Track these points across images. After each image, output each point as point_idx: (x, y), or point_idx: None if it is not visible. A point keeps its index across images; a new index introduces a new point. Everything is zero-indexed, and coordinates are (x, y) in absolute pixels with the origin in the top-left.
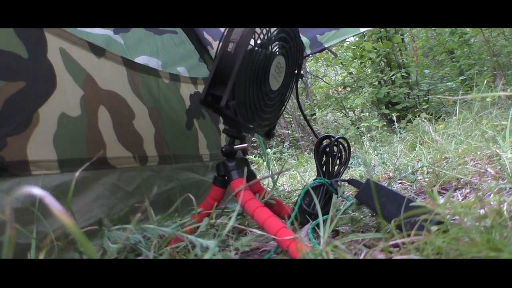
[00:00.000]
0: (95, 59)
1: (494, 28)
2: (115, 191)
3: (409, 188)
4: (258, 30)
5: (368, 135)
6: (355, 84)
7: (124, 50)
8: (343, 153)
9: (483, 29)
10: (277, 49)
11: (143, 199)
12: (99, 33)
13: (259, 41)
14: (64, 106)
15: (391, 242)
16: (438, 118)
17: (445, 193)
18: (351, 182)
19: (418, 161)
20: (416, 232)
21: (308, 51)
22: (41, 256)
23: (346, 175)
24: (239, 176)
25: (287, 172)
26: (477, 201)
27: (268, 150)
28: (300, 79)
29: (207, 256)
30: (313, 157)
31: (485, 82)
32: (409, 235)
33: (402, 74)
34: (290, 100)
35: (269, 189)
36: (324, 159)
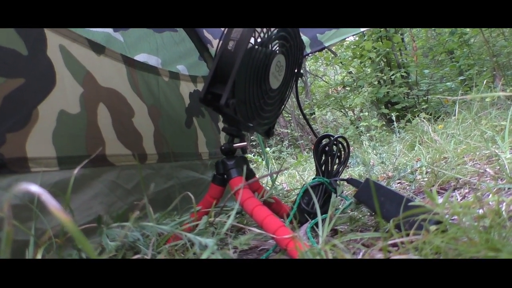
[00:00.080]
0: (95, 56)
1: (494, 29)
2: (114, 189)
3: (408, 187)
4: (258, 28)
5: (367, 134)
6: (355, 84)
7: (124, 47)
8: (342, 152)
9: (483, 29)
10: (277, 48)
11: (142, 197)
12: (99, 31)
13: (259, 40)
14: (63, 103)
15: (390, 242)
16: (437, 118)
17: (444, 193)
18: (350, 181)
19: (417, 161)
20: (415, 232)
21: (308, 50)
22: (40, 253)
23: (345, 175)
24: (238, 174)
25: (286, 171)
26: (476, 201)
27: (267, 149)
28: (300, 78)
29: (205, 254)
30: (312, 156)
31: (484, 82)
32: (408, 235)
33: (402, 73)
34: (289, 99)
35: (268, 187)
36: (323, 158)
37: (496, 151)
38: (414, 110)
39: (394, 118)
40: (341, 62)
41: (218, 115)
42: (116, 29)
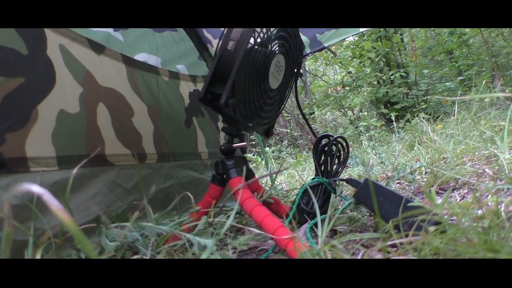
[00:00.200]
0: (95, 56)
1: (493, 29)
2: (113, 189)
3: (407, 188)
4: (258, 28)
5: (367, 134)
6: (354, 84)
7: (123, 47)
8: (342, 152)
9: (482, 29)
10: (277, 48)
11: (141, 197)
12: (99, 30)
13: (259, 40)
14: (63, 103)
15: (389, 242)
16: (437, 118)
17: (443, 193)
18: (349, 181)
19: (416, 161)
20: (414, 233)
21: (307, 50)
22: (39, 253)
23: (344, 175)
24: (238, 174)
25: (285, 171)
26: (475, 202)
27: (267, 148)
28: (299, 78)
29: (204, 255)
30: (312, 156)
31: (483, 82)
32: (407, 235)
33: (401, 73)
34: (289, 99)
35: (267, 187)
36: (322, 158)
37: (495, 151)
38: (414, 110)
39: (393, 118)
40: (340, 62)
41: (218, 115)
42: (116, 29)
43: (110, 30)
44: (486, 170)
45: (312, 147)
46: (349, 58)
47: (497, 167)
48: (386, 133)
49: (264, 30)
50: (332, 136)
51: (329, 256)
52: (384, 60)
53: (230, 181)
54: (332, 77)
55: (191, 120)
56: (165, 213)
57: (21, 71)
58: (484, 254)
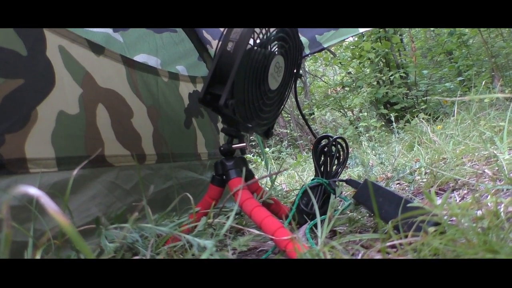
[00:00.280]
0: (94, 57)
1: (492, 30)
2: (113, 190)
3: (407, 188)
4: (257, 29)
5: (367, 135)
6: (354, 84)
7: (123, 48)
8: (341, 153)
9: (481, 30)
10: (276, 49)
11: (141, 198)
12: (98, 31)
13: (258, 41)
14: (62, 104)
15: (389, 243)
16: (436, 118)
17: (442, 193)
18: (349, 182)
19: (416, 162)
20: (414, 233)
21: (307, 51)
22: (38, 255)
23: (344, 175)
24: (237, 175)
25: (285, 171)
26: (474, 202)
27: (267, 149)
28: (299, 79)
29: (204, 256)
30: (311, 157)
31: (483, 83)
32: (406, 236)
33: (401, 74)
34: (289, 99)
35: (267, 188)
36: (322, 159)
37: (495, 152)
38: (413, 110)
39: (393, 118)
40: (340, 63)
41: (217, 116)
42: (116, 30)
43: (110, 31)
44: (486, 170)
45: (311, 148)
46: (348, 58)
47: (496, 168)
48: (386, 134)
49: (264, 31)
50: (332, 137)
51: (329, 257)
52: (384, 60)
53: (230, 182)
54: (332, 78)
55: (190, 121)
56: (164, 214)
57: (21, 72)
58: (483, 255)
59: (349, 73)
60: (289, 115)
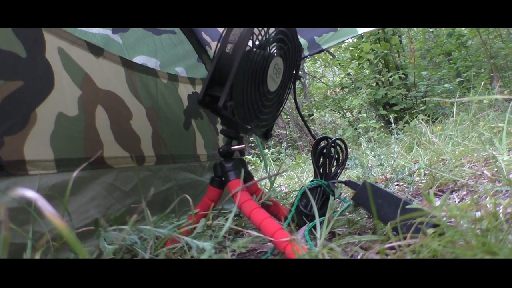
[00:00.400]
0: (93, 58)
1: (491, 31)
2: (112, 191)
3: (406, 189)
4: (256, 31)
5: (366, 136)
6: (353, 85)
7: (122, 49)
8: (340, 154)
9: (480, 31)
10: (275, 50)
11: (140, 199)
12: (97, 33)
13: (257, 42)
14: (61, 106)
15: (387, 245)
16: (435, 119)
17: (441, 195)
18: (348, 183)
19: (415, 163)
20: (412, 235)
21: (306, 53)
22: (37, 257)
23: (343, 176)
24: (236, 177)
25: (284, 173)
26: (473, 204)
27: (266, 150)
28: (298, 80)
29: (203, 257)
30: (311, 158)
31: (482, 84)
32: (405, 238)
33: (400, 75)
34: (288, 101)
35: (266, 190)
36: (321, 160)
37: (494, 153)
38: (412, 111)
39: (392, 119)
40: (339, 64)
41: (217, 117)
42: (115, 31)
43: (109, 32)
44: (485, 171)
45: (311, 149)
46: (348, 60)
47: (495, 169)
48: (385, 135)
49: (263, 32)
50: (331, 138)
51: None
52: (383, 61)
53: (229, 184)
54: (331, 79)
55: (190, 122)
56: (163, 216)
57: (20, 74)
58: (482, 256)
59: (348, 74)
60: (288, 116)
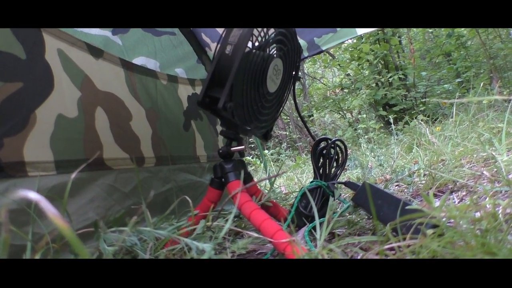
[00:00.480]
0: (93, 60)
1: (490, 31)
2: (111, 193)
3: (405, 190)
4: (256, 32)
5: (366, 136)
6: (353, 86)
7: (122, 51)
8: (340, 155)
9: (480, 32)
10: (275, 52)
11: (139, 201)
12: (97, 34)
13: (256, 44)
14: (61, 107)
15: (387, 246)
16: (435, 120)
17: (441, 195)
18: (348, 184)
19: (414, 163)
20: (412, 236)
21: (305, 54)
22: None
23: (343, 177)
24: (236, 178)
25: (284, 174)
26: (473, 204)
27: (266, 151)
28: (297, 81)
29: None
30: (310, 159)
31: (481, 84)
32: (404, 239)
33: (400, 76)
34: (287, 102)
35: (266, 190)
36: (321, 161)
37: (493, 153)
38: (412, 112)
39: (391, 120)
40: (339, 65)
41: (216, 118)
42: (115, 33)
43: (109, 34)
44: (484, 172)
45: (310, 150)
46: (347, 60)
47: (495, 169)
48: (385, 135)
49: (262, 33)
50: (330, 139)
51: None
52: (383, 62)
53: (229, 185)
54: (331, 80)
55: (189, 123)
56: (163, 217)
57: (20, 75)
58: (481, 257)
59: (348, 75)
60: (288, 117)
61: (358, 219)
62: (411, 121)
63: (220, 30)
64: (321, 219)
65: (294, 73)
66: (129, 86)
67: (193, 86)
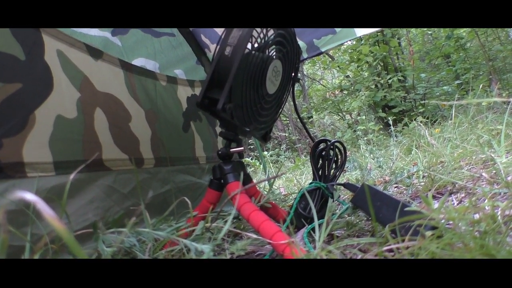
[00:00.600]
0: (92, 61)
1: (490, 33)
2: (110, 194)
3: (404, 192)
4: (255, 34)
5: (365, 138)
6: (352, 87)
7: (121, 52)
8: (339, 156)
9: (479, 33)
10: (274, 53)
11: (138, 202)
12: (96, 35)
13: (256, 45)
14: (60, 108)
15: (386, 247)
16: (434, 122)
17: (440, 197)
18: (347, 186)
19: (414, 165)
20: (411, 237)
21: (305, 55)
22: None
23: (342, 179)
24: (235, 179)
25: (283, 175)
26: (471, 206)
27: (265, 152)
28: (297, 82)
29: None
30: (310, 160)
31: (481, 86)
32: (403, 240)
33: (399, 77)
34: (287, 103)
35: (265, 192)
36: (320, 162)
37: (492, 155)
38: (411, 114)
39: (391, 122)
40: (338, 66)
41: (216, 120)
42: (114, 33)
43: (108, 35)
44: (483, 174)
45: (309, 152)
46: (347, 62)
47: (494, 171)
48: (384, 137)
49: (262, 35)
50: (330, 141)
51: None
52: (382, 64)
53: (228, 186)
54: (330, 81)
55: (188, 124)
56: (162, 218)
57: (19, 76)
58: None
59: (347, 76)
60: (287, 119)
61: (357, 220)
62: (410, 123)
63: (220, 31)
64: (320, 220)
65: (293, 74)
66: (128, 87)
67: (193, 87)
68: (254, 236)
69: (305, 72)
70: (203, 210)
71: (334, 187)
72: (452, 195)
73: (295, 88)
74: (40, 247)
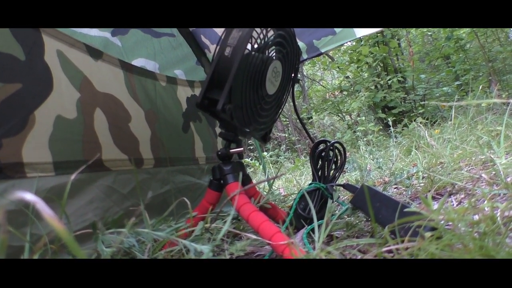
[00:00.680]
0: (92, 61)
1: (489, 34)
2: (110, 194)
3: (404, 193)
4: (255, 34)
5: (365, 139)
6: (352, 88)
7: (121, 52)
8: (339, 157)
9: (478, 35)
10: (274, 54)
11: (138, 202)
12: (96, 35)
13: (256, 46)
14: (60, 108)
15: (385, 248)
16: (434, 123)
17: (440, 198)
18: (346, 186)
19: (413, 166)
20: (410, 238)
21: (304, 56)
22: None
23: (342, 180)
24: (235, 180)
25: (283, 176)
26: (471, 207)
27: (265, 153)
28: (297, 83)
29: None
30: (309, 161)
31: (480, 87)
32: (402, 241)
33: (399, 78)
34: (287, 104)
35: (265, 193)
36: (320, 163)
37: (492, 156)
38: (411, 114)
39: (390, 123)
40: (338, 67)
41: (215, 120)
42: (114, 34)
43: (108, 35)
44: (483, 175)
45: (309, 153)
46: (346, 63)
47: (493, 172)
48: (384, 138)
49: (261, 36)
50: (329, 142)
51: None
52: (382, 65)
53: (227, 187)
54: (330, 82)
55: (188, 125)
56: (162, 219)
57: (19, 76)
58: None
59: (347, 77)
60: (287, 119)
61: (357, 221)
62: (410, 124)
63: (219, 32)
64: (320, 221)
65: (293, 75)
66: (128, 88)
67: (192, 87)
68: (254, 236)
69: (305, 73)
70: (202, 211)
71: (334, 188)
72: (452, 196)
73: (295, 89)
74: (39, 247)
